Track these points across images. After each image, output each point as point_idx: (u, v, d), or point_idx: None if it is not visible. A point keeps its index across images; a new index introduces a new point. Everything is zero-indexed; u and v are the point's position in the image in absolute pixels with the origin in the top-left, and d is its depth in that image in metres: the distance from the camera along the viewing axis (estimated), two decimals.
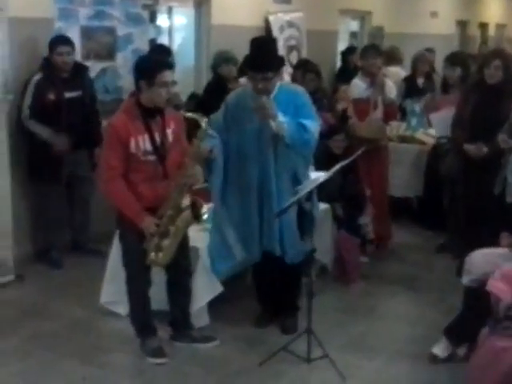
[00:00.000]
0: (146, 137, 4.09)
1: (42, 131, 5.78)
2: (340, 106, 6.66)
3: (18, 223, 5.78)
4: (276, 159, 4.48)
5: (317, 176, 4.19)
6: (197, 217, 4.20)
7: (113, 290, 5.01)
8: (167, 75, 4.08)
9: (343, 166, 4.32)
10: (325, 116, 6.36)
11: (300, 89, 4.78)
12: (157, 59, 4.45)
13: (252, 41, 4.43)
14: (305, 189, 4.18)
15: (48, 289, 5.56)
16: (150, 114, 4.12)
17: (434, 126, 6.47)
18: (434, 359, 4.43)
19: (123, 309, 4.97)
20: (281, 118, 4.31)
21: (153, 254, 4.18)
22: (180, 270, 4.45)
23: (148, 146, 4.10)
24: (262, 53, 4.42)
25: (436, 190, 6.61)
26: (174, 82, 4.20)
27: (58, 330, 4.85)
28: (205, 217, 4.27)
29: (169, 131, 4.20)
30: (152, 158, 4.12)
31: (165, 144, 4.17)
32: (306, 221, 4.47)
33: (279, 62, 4.52)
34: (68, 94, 5.89)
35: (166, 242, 4.16)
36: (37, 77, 5.75)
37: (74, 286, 5.63)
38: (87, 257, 6.18)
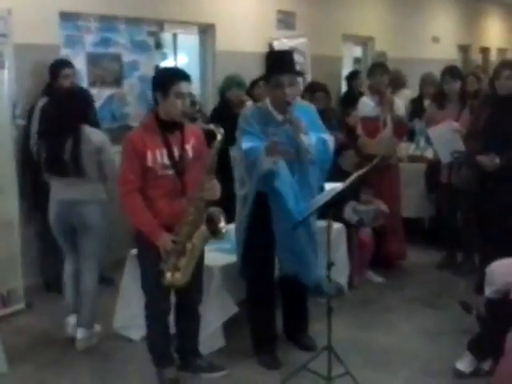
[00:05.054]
0: (164, 151, 3.97)
1: None
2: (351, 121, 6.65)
3: (26, 252, 5.71)
4: (293, 174, 4.35)
5: (332, 187, 4.08)
6: (214, 232, 3.99)
7: (126, 315, 4.97)
8: (182, 86, 3.94)
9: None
10: (335, 135, 6.29)
11: (310, 104, 4.80)
12: (172, 70, 4.35)
13: (271, 52, 4.44)
14: (322, 199, 4.07)
15: (59, 316, 5.43)
16: (168, 129, 4.01)
17: (433, 140, 6.33)
18: (458, 375, 4.32)
19: (137, 333, 4.91)
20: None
21: (169, 274, 3.98)
22: (190, 293, 4.22)
23: (166, 160, 3.97)
24: (287, 58, 4.41)
25: (449, 208, 6.51)
26: (191, 95, 4.03)
27: (72, 356, 4.76)
28: (223, 231, 3.99)
29: (188, 146, 4.06)
30: (170, 172, 3.98)
31: (184, 159, 4.03)
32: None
33: (300, 70, 4.52)
34: None
35: (182, 261, 3.98)
36: (41, 102, 5.71)
37: None
38: (98, 284, 6.08)
